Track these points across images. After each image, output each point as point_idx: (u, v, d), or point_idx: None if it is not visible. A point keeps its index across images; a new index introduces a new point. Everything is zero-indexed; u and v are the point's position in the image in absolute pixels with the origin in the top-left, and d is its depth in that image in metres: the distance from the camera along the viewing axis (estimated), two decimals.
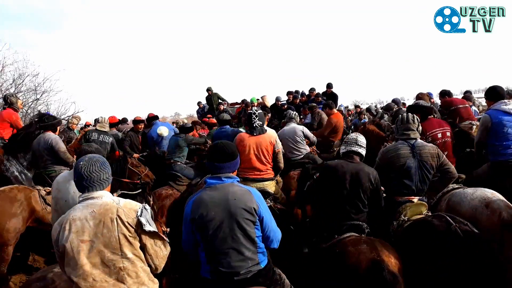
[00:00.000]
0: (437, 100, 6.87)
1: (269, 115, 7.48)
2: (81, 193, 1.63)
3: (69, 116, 8.92)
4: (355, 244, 1.97)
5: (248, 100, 8.23)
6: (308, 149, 4.51)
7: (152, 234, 1.59)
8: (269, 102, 8.44)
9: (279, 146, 3.40)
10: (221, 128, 4.55)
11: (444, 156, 2.57)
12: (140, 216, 1.55)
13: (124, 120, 8.20)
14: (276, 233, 1.80)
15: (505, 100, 3.12)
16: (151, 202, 3.16)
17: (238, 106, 9.04)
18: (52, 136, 3.79)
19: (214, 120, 6.70)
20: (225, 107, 8.63)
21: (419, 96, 5.14)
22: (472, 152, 3.50)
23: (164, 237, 1.67)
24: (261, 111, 3.64)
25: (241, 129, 4.75)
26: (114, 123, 5.55)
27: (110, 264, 1.50)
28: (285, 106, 7.67)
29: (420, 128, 2.66)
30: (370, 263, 1.80)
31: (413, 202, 2.41)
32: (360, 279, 1.79)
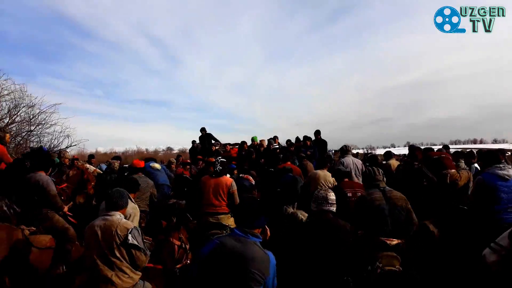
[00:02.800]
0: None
1: (262, 159, 7.77)
2: (104, 209, 2.63)
3: (62, 149, 8.93)
4: None
5: (248, 142, 8.69)
6: None
7: (134, 246, 2.40)
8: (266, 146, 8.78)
9: (234, 188, 4.11)
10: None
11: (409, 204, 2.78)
12: (130, 233, 2.40)
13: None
14: None
15: (500, 165, 3.14)
16: None
17: (231, 147, 9.19)
18: (44, 178, 3.66)
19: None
20: (217, 148, 8.76)
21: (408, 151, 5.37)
22: (463, 210, 3.53)
23: (144, 249, 2.48)
24: (224, 160, 4.56)
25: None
26: (140, 168, 4.88)
27: (106, 257, 2.35)
28: (278, 150, 7.96)
29: (385, 178, 2.99)
30: None
31: (389, 245, 2.52)
32: None
